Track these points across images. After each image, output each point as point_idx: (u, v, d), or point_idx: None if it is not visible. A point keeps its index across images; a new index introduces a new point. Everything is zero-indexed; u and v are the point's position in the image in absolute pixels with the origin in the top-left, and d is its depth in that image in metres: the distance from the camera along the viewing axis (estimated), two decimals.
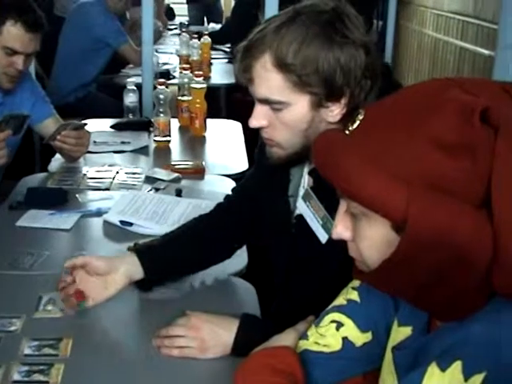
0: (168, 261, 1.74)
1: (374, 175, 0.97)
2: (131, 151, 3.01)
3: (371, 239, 1.04)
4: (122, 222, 2.17)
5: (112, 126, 3.27)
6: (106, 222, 2.20)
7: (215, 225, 1.85)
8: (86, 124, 2.74)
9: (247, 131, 2.31)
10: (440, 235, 0.94)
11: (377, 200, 0.97)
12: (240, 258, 1.96)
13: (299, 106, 1.49)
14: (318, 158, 1.10)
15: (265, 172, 1.76)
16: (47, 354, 1.50)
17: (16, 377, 1.42)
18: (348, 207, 1.07)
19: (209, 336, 1.50)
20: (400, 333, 1.21)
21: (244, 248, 2.01)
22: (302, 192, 1.70)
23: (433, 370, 0.99)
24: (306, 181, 1.69)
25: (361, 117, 1.07)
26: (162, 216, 2.19)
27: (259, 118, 1.53)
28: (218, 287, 1.83)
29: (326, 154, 1.05)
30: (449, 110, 0.98)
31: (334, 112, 1.50)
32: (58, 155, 2.86)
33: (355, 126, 1.07)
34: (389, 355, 1.23)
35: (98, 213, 2.27)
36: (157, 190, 2.53)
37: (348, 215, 1.10)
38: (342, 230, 1.10)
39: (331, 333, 1.30)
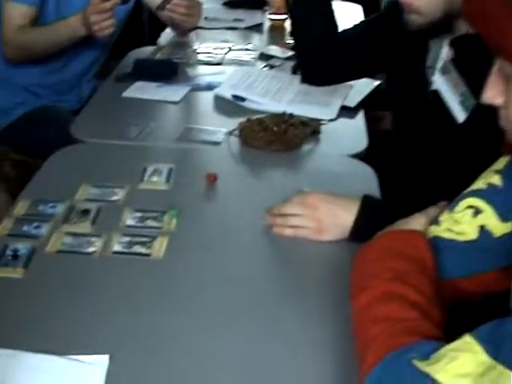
0: None
1: None
2: (244, 28, 2.89)
3: None
4: (234, 96, 2.06)
5: (225, 3, 3.16)
6: (216, 97, 2.11)
7: None
8: None
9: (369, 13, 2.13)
10: None
11: None
12: (360, 140, 1.86)
13: None
14: (470, 7, 0.95)
15: (399, 38, 1.62)
16: (150, 226, 1.42)
17: (117, 247, 1.35)
18: (501, 68, 0.94)
19: (326, 216, 1.38)
20: None
21: (364, 129, 1.90)
22: (440, 65, 1.53)
23: None
24: (445, 52, 1.53)
25: None
26: (277, 93, 2.08)
27: None
28: (335, 168, 1.71)
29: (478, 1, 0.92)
30: None
31: None
32: (167, 29, 2.75)
33: None
34: None
35: (209, 87, 2.17)
36: (271, 67, 2.40)
37: (501, 78, 0.95)
38: (493, 94, 0.96)
39: (467, 219, 1.13)
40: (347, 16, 3.05)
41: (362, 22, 1.93)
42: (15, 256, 1.30)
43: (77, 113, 2.29)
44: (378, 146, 1.86)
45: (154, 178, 1.59)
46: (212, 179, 1.58)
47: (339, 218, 1.38)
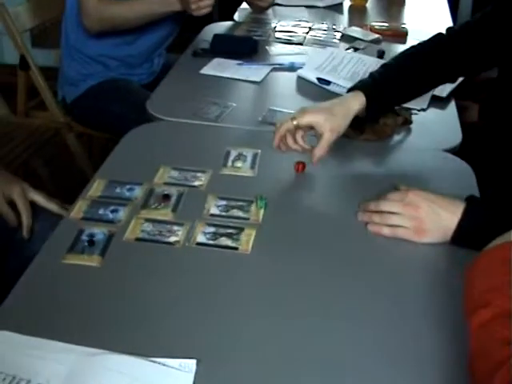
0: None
1: None
2: (324, 7, 2.79)
3: None
4: (319, 79, 1.97)
5: None
6: (299, 78, 2.03)
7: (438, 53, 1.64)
8: None
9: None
10: None
11: None
12: (454, 133, 1.74)
13: None
14: None
15: None
16: (236, 216, 1.32)
17: (201, 238, 1.26)
18: None
19: (428, 217, 1.28)
20: None
21: (457, 121, 1.80)
22: None
23: None
24: None
25: None
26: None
27: None
28: (429, 163, 1.59)
29: None
30: None
31: None
32: (244, 4, 2.67)
33: None
34: None
35: (291, 67, 2.09)
36: (355, 49, 2.29)
37: None
38: None
39: None
40: (431, 6, 2.95)
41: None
42: (91, 242, 1.22)
43: (147, 87, 2.27)
44: (467, 139, 1.74)
45: (239, 164, 1.51)
46: (300, 167, 1.49)
47: (441, 219, 1.28)
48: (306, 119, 1.46)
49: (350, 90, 1.56)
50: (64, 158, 2.77)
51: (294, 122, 1.46)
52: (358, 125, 1.60)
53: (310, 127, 1.47)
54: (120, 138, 1.63)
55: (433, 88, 1.74)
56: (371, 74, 1.59)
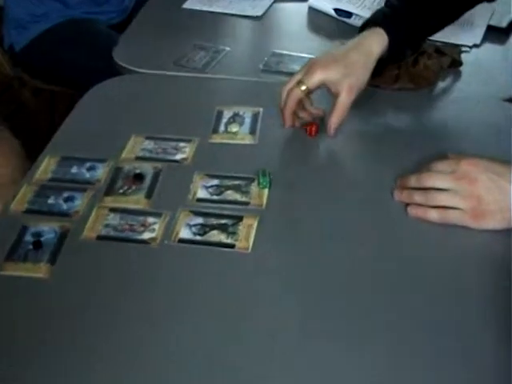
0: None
1: None
2: None
3: None
4: (337, 10, 1.98)
5: None
6: (311, 10, 2.04)
7: None
8: None
9: None
10: None
11: None
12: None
13: None
14: None
15: None
16: (232, 200, 1.28)
17: (184, 233, 1.20)
18: None
19: (488, 193, 1.22)
20: None
21: None
22: None
23: None
24: None
25: None
26: None
27: None
28: (487, 117, 1.54)
29: None
30: None
31: None
32: None
33: None
34: None
35: None
36: None
37: None
38: None
39: None
40: None
41: None
42: (37, 244, 1.17)
43: (118, 28, 2.28)
44: None
45: (234, 128, 1.48)
46: (314, 130, 1.46)
47: (506, 196, 1.22)
48: (317, 78, 1.41)
49: (363, 26, 1.52)
50: (23, 117, 2.77)
51: (303, 88, 1.41)
52: (383, 68, 1.58)
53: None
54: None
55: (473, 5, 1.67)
56: (388, 2, 1.55)
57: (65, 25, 2.34)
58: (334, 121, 1.42)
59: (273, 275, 1.14)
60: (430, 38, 1.70)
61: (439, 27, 1.61)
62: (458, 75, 1.69)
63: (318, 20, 1.98)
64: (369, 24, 1.50)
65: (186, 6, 2.04)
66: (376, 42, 1.47)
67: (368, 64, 1.45)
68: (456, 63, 1.70)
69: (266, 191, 1.29)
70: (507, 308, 1.06)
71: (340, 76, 1.41)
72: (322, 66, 1.42)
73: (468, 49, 1.80)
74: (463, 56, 1.72)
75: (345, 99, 1.41)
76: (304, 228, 1.23)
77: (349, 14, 1.94)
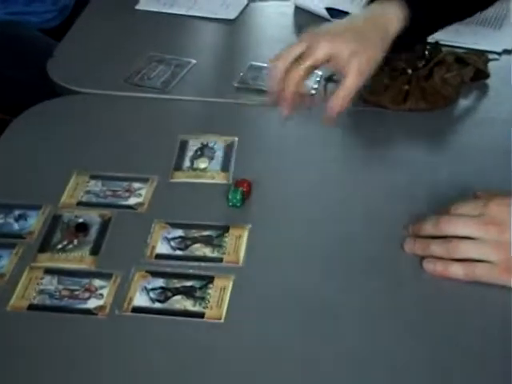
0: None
1: None
2: None
3: None
4: (329, 9, 2.03)
5: None
6: (298, 10, 2.09)
7: None
8: None
9: None
10: None
11: None
12: None
13: None
14: None
15: None
16: (201, 256, 1.30)
17: (140, 300, 1.22)
18: None
19: None
20: None
21: None
22: None
23: None
24: None
25: None
26: None
27: None
28: None
29: None
30: None
31: None
32: None
33: None
34: None
35: None
36: None
37: None
38: None
39: None
40: None
41: None
42: None
43: (55, 34, 2.28)
44: None
45: (202, 163, 1.51)
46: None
47: None
48: (323, 52, 1.43)
49: None
50: None
51: (306, 64, 1.42)
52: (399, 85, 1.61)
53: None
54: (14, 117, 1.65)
55: None
56: None
57: None
58: (336, 105, 1.43)
59: (250, 351, 1.15)
60: (450, 43, 1.74)
61: (465, 12, 1.64)
62: (484, 90, 1.72)
63: (305, 22, 1.97)
64: None
65: (140, 6, 2.08)
66: (395, 17, 1.48)
67: (384, 44, 1.47)
68: (481, 75, 1.71)
69: (243, 241, 1.31)
70: None
71: (349, 53, 1.42)
72: (329, 37, 1.43)
73: (497, 56, 1.82)
74: (490, 65, 1.74)
75: (352, 84, 1.43)
76: (291, 294, 1.24)
77: (344, 15, 1.93)
